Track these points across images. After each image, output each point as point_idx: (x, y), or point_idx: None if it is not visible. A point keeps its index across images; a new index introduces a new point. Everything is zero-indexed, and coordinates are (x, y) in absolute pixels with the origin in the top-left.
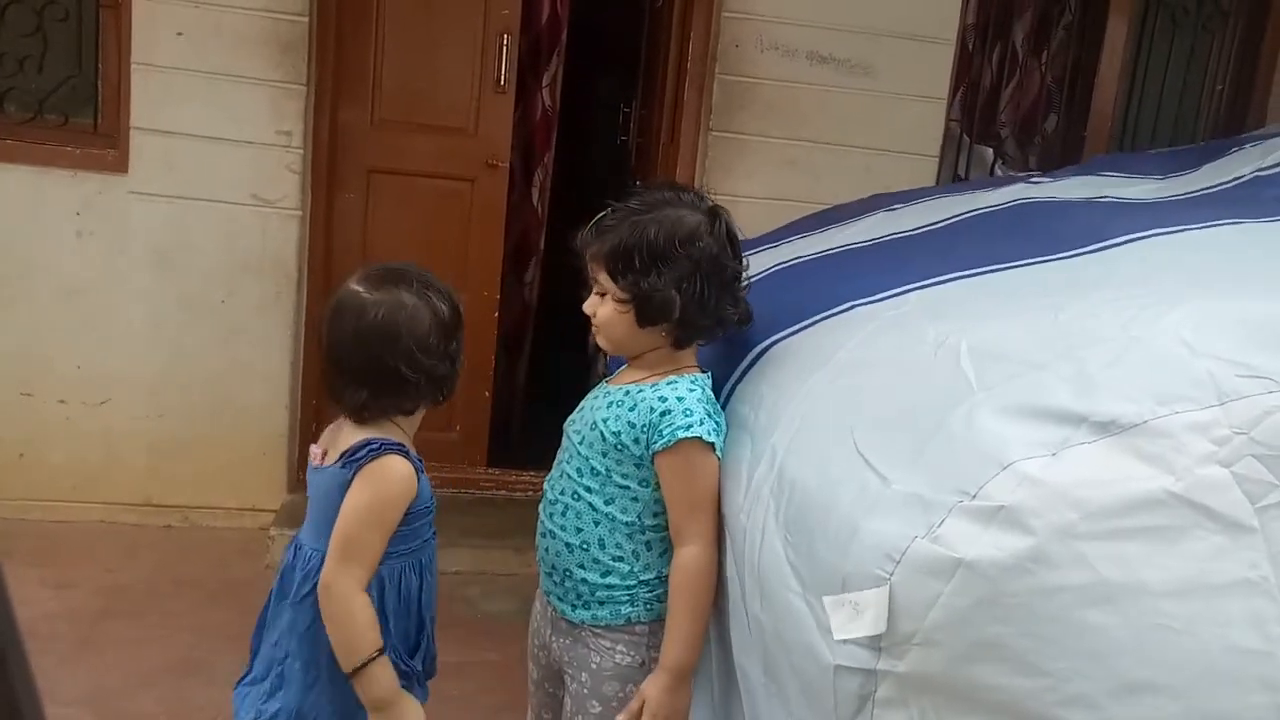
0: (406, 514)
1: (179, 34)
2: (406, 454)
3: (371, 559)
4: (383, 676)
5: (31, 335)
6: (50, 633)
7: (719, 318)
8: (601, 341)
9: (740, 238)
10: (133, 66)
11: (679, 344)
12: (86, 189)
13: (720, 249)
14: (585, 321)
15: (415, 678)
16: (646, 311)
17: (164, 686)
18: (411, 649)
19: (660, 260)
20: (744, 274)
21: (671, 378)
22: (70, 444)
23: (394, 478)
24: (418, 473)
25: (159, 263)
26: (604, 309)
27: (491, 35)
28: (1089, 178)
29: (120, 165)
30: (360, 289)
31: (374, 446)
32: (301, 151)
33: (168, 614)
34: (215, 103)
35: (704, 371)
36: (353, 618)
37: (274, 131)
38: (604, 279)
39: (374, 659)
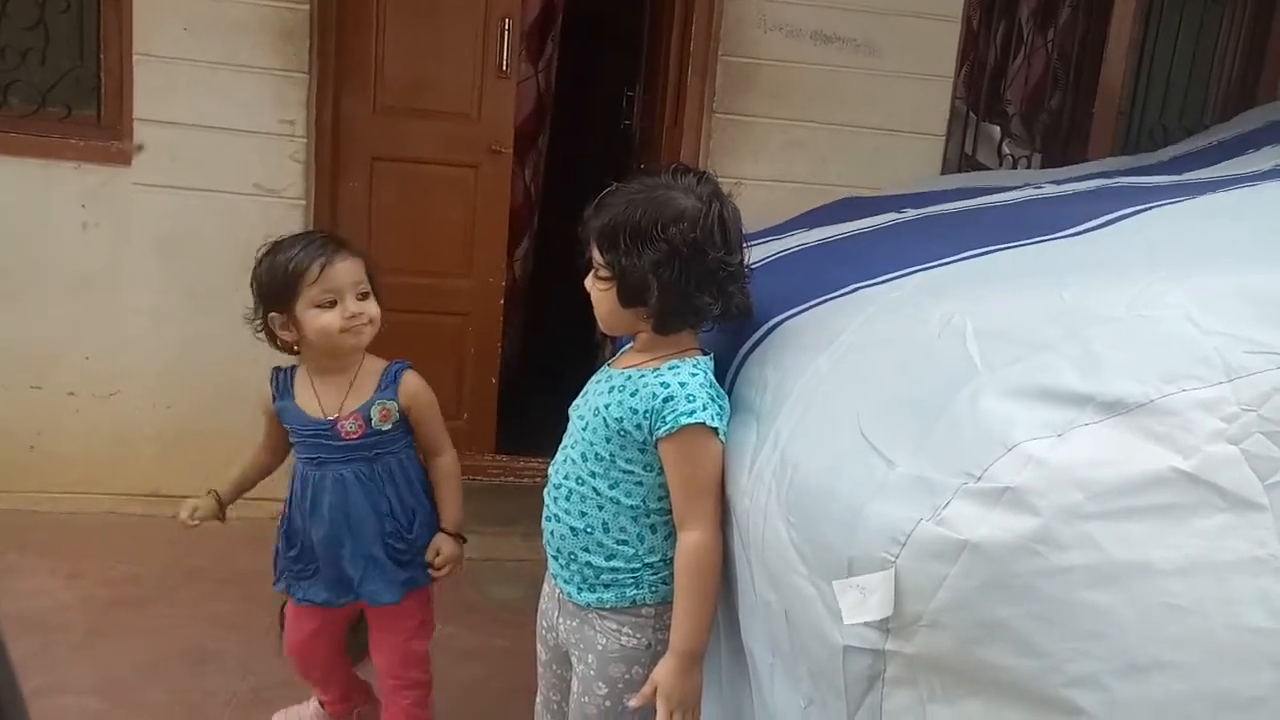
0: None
1: (180, 28)
2: (273, 376)
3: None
4: None
5: (39, 328)
6: (61, 623)
7: (695, 307)
8: (599, 319)
9: (736, 229)
10: (134, 58)
11: (659, 329)
12: (91, 181)
13: (704, 237)
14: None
15: (291, 570)
16: (624, 290)
17: (174, 675)
18: (290, 544)
19: (641, 241)
20: (733, 266)
21: (673, 361)
22: (79, 435)
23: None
24: (275, 396)
25: (164, 254)
26: (594, 285)
27: (493, 20)
28: (1100, 180)
29: (124, 157)
30: None
31: None
32: (304, 140)
33: (178, 603)
34: (217, 93)
35: (706, 354)
36: None
37: (277, 121)
38: (595, 255)
39: None
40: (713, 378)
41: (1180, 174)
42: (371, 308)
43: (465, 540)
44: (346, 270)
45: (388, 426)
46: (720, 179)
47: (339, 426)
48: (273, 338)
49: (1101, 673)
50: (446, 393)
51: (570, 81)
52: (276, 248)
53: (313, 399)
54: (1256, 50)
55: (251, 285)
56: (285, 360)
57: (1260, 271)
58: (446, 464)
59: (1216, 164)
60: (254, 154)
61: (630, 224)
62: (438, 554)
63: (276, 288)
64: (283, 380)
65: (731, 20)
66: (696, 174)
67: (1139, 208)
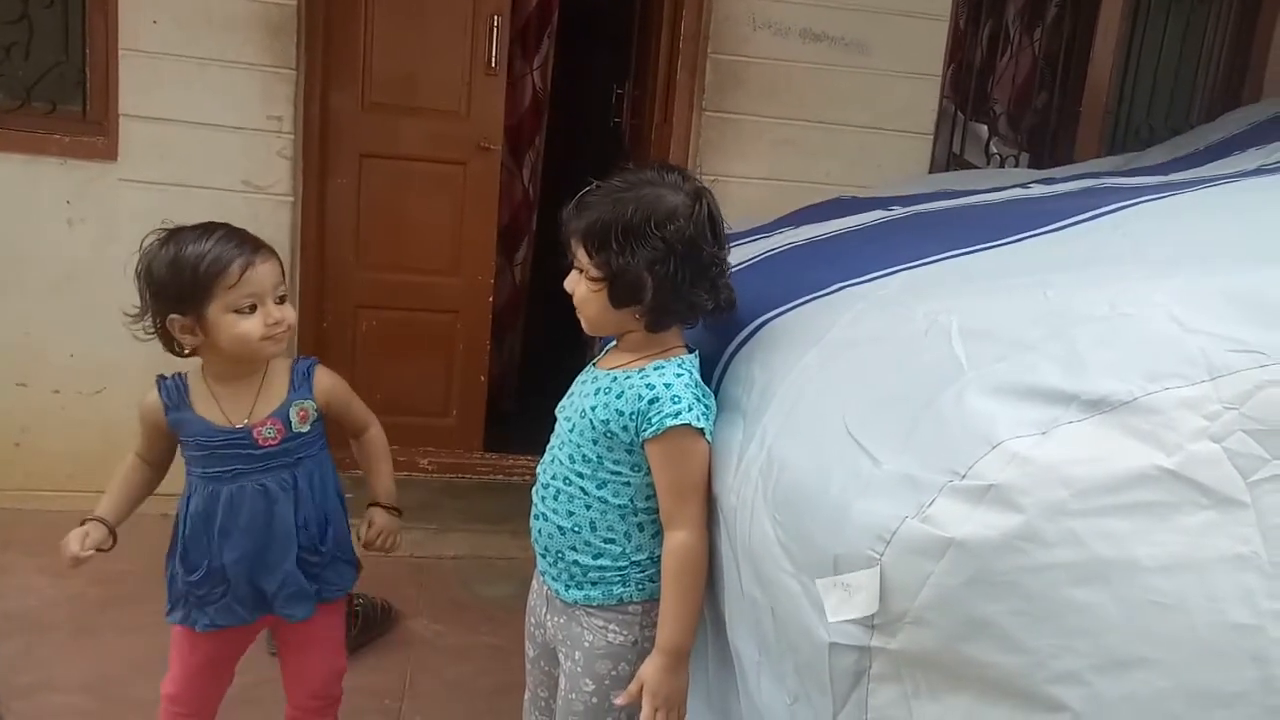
0: (177, 437)
1: (153, 21)
2: (160, 386)
3: (137, 440)
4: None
5: (24, 325)
6: (50, 621)
7: (691, 303)
8: (582, 321)
9: (724, 223)
10: (120, 52)
11: (652, 328)
12: (76, 177)
13: (698, 233)
14: None
15: (193, 596)
16: (618, 291)
17: (163, 673)
18: (196, 567)
19: (634, 240)
20: (723, 260)
21: (658, 362)
22: (66, 433)
23: (143, 396)
24: (168, 408)
25: None
26: (580, 287)
27: (482, 17)
28: (1087, 180)
29: (110, 153)
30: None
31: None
32: (292, 136)
33: (166, 601)
34: (204, 88)
35: (691, 351)
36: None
37: (264, 117)
38: (581, 256)
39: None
40: (698, 376)
41: (1167, 175)
42: (290, 313)
43: (400, 512)
44: (268, 272)
45: (306, 428)
46: (709, 177)
47: (256, 434)
48: (169, 341)
49: (1085, 669)
50: (435, 391)
51: (561, 79)
52: (176, 240)
53: (214, 407)
54: (1242, 50)
55: (140, 280)
56: (169, 366)
57: (1243, 270)
58: (375, 435)
59: (1202, 166)
60: (241, 150)
61: (621, 222)
62: (369, 526)
63: (182, 287)
64: (174, 389)
65: (721, 18)
66: (678, 170)
67: (1121, 204)
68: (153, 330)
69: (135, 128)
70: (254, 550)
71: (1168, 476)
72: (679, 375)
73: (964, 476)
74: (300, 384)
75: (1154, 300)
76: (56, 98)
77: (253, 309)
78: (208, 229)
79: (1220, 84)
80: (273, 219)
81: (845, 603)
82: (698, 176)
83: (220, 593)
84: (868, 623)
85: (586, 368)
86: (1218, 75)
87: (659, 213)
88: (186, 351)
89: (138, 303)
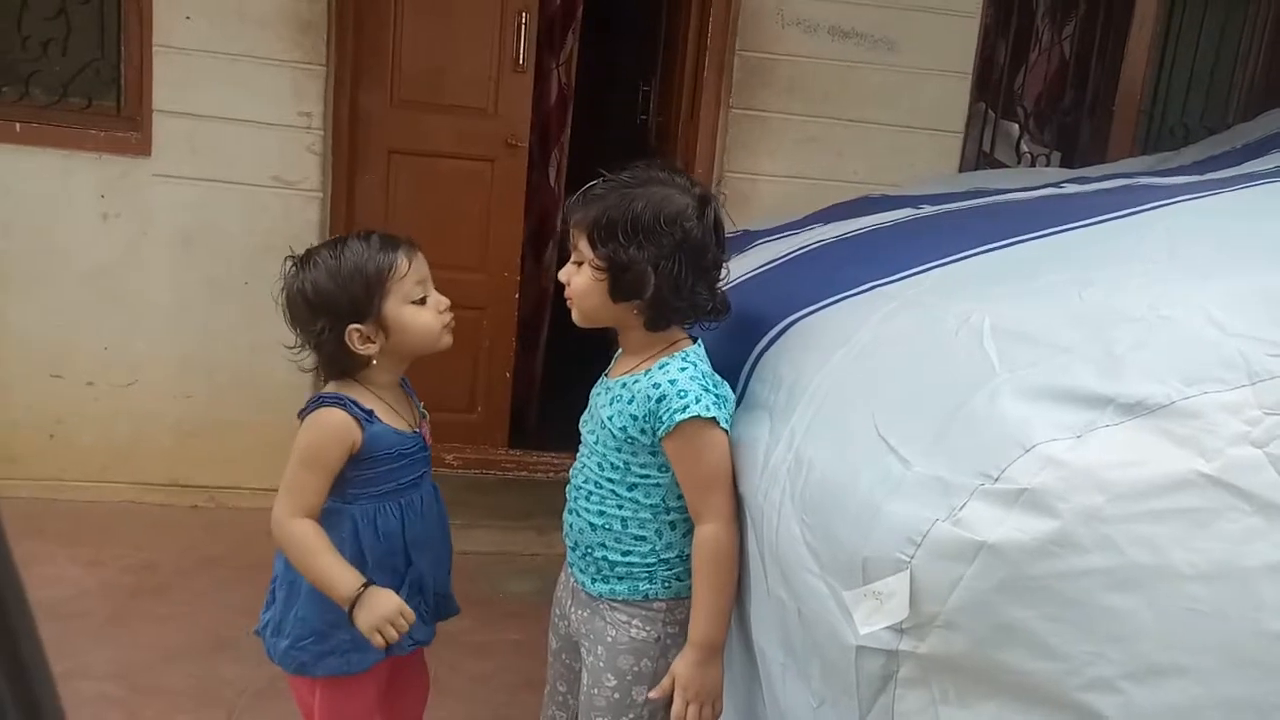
0: (360, 459)
1: (186, 17)
2: (344, 405)
3: (302, 494)
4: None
5: (59, 318)
6: (81, 610)
7: (692, 301)
8: (574, 312)
9: (728, 229)
10: (154, 49)
11: (650, 325)
12: (111, 172)
13: (705, 234)
14: None
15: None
16: (621, 284)
17: (192, 662)
18: (396, 585)
19: (643, 234)
20: (725, 265)
21: (662, 360)
22: (99, 425)
23: (321, 424)
24: (364, 423)
25: (183, 245)
26: (580, 277)
27: (510, 14)
28: (1122, 180)
29: (144, 148)
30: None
31: (315, 399)
32: (322, 133)
33: (195, 592)
34: (236, 84)
35: (694, 340)
36: (292, 541)
37: (295, 113)
38: (584, 246)
39: (361, 594)
40: (707, 366)
41: (1202, 174)
42: None
43: None
44: (424, 261)
45: None
46: (736, 174)
47: (424, 434)
48: (338, 361)
49: (1119, 677)
50: (460, 387)
51: (586, 76)
52: (333, 252)
53: (393, 414)
54: None
55: (299, 305)
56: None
57: None
58: None
59: (1239, 165)
60: (272, 146)
61: (630, 216)
62: None
63: (355, 293)
64: (356, 405)
65: (748, 15)
66: (685, 173)
67: (1158, 203)
68: (331, 349)
69: (168, 123)
70: (435, 554)
71: (1208, 482)
72: (683, 369)
73: (997, 480)
74: (408, 386)
75: (1193, 302)
76: (92, 94)
77: (422, 301)
78: (342, 240)
79: (1259, 82)
80: (302, 214)
81: (877, 611)
82: (705, 178)
83: (417, 604)
84: (896, 626)
85: (599, 379)
86: (1256, 72)
87: (669, 211)
88: (363, 364)
89: (294, 337)
